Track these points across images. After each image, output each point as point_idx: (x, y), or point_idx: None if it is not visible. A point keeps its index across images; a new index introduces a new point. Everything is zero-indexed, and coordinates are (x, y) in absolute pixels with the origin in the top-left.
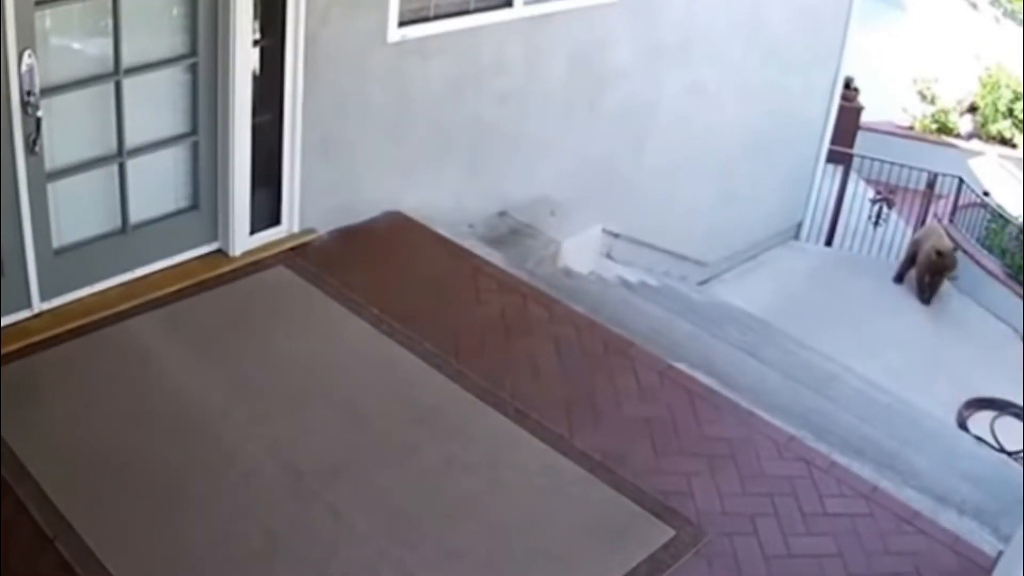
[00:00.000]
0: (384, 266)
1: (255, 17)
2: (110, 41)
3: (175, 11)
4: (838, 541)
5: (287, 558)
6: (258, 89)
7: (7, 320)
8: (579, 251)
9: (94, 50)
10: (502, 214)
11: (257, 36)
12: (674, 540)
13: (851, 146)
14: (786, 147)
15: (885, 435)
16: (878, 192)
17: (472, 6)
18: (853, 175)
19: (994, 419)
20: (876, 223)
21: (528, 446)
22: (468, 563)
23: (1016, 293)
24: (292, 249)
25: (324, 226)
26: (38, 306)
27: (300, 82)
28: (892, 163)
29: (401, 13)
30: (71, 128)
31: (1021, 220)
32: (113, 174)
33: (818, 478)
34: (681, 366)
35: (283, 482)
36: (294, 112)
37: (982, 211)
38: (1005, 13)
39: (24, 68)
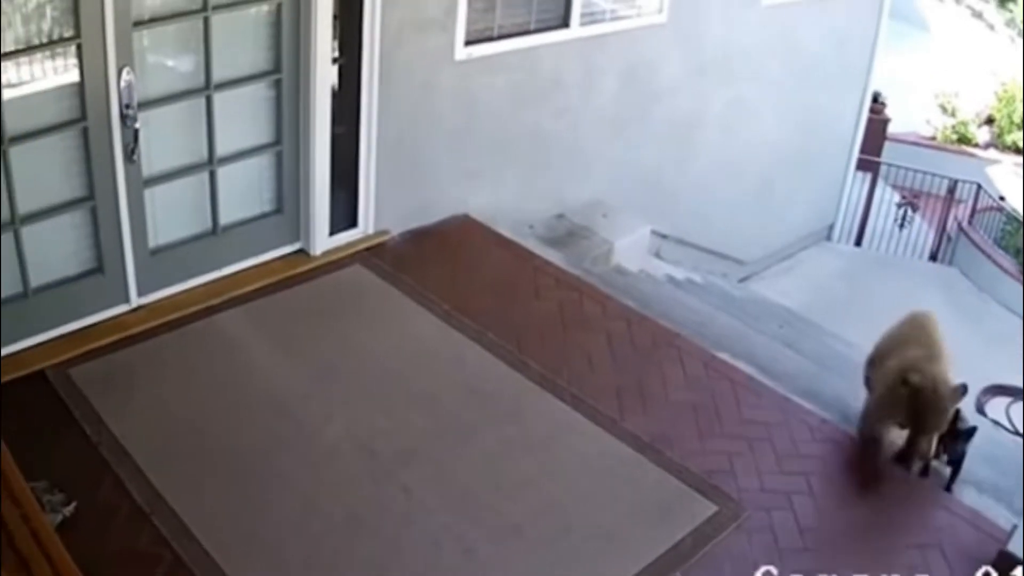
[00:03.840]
0: (452, 265)
1: (334, 37)
2: (202, 59)
3: (261, 31)
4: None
5: (363, 532)
6: (337, 103)
7: (108, 314)
8: (630, 251)
9: (187, 67)
10: (560, 216)
11: (336, 54)
12: (717, 515)
13: (879, 155)
14: (819, 156)
15: None
16: (903, 197)
17: (532, 27)
18: (880, 181)
19: (1009, 404)
20: (901, 225)
21: (583, 429)
22: (526, 537)
23: None
24: (368, 249)
25: (397, 228)
26: (135, 301)
27: (375, 96)
28: (916, 170)
29: (468, 33)
30: (166, 138)
31: None
32: (204, 180)
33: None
34: (724, 356)
35: (360, 462)
36: (369, 123)
37: (998, 214)
38: (1019, 33)
39: (123, 84)
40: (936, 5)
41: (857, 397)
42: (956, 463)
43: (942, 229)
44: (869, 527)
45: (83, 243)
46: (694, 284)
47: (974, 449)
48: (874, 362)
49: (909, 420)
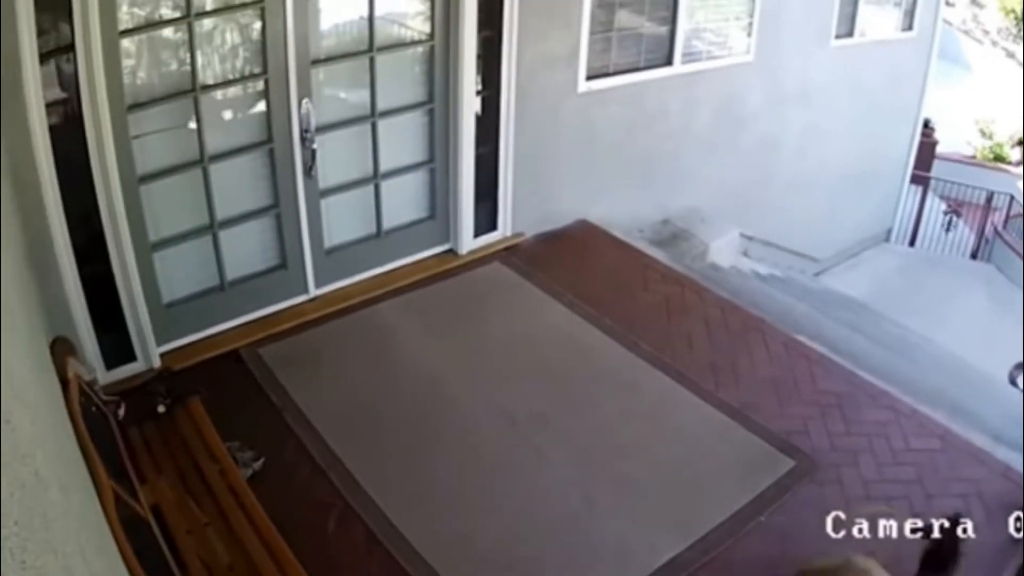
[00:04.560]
0: (575, 262)
1: (477, 72)
2: (368, 91)
3: (416, 69)
4: (918, 470)
5: (502, 486)
6: (480, 127)
7: (290, 303)
8: (723, 250)
9: (356, 98)
10: (664, 222)
11: (479, 87)
12: (794, 470)
13: (928, 170)
14: (879, 172)
15: (955, 389)
16: (949, 206)
17: (641, 64)
18: (930, 193)
19: None
20: (947, 230)
21: (685, 399)
22: (635, 488)
23: None
24: (506, 249)
25: (530, 231)
26: (313, 292)
27: (512, 122)
28: (959, 184)
29: (588, 69)
30: (338, 157)
31: None
32: (370, 192)
33: (903, 423)
34: (801, 338)
35: (500, 427)
36: (507, 144)
37: None
38: None
39: (303, 111)
40: (976, 47)
41: (910, 372)
42: None
43: (981, 232)
44: (920, 479)
45: (269, 244)
46: (776, 278)
47: (1008, 412)
48: None
49: None
